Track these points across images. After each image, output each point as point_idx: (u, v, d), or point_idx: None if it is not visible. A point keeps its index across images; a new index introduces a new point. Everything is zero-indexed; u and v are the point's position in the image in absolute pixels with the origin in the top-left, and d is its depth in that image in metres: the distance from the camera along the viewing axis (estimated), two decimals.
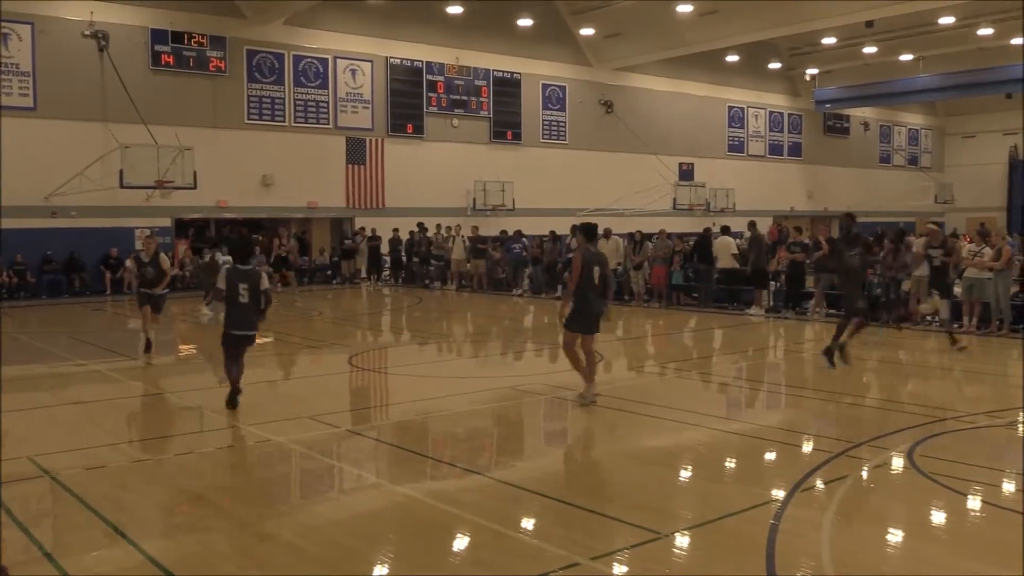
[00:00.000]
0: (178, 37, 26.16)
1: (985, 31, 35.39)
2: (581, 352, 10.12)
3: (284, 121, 28.35)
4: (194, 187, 24.62)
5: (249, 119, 27.68)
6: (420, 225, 28.56)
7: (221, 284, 9.50)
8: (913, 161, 50.81)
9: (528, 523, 6.23)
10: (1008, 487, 7.12)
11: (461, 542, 5.90)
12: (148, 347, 13.53)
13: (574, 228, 25.08)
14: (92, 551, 5.74)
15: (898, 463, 7.62)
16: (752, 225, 20.54)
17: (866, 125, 47.96)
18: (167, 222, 26.33)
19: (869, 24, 32.32)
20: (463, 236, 26.90)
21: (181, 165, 24.27)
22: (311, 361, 14.55)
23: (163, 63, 25.95)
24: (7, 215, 22.53)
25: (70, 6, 24.42)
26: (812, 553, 5.51)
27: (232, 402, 9.58)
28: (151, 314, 13.61)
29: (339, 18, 29.22)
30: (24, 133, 23.32)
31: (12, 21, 23.45)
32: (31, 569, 5.41)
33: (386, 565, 5.63)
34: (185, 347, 16.36)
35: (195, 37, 26.44)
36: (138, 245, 18.42)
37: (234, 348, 9.58)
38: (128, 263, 18.02)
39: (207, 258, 21.17)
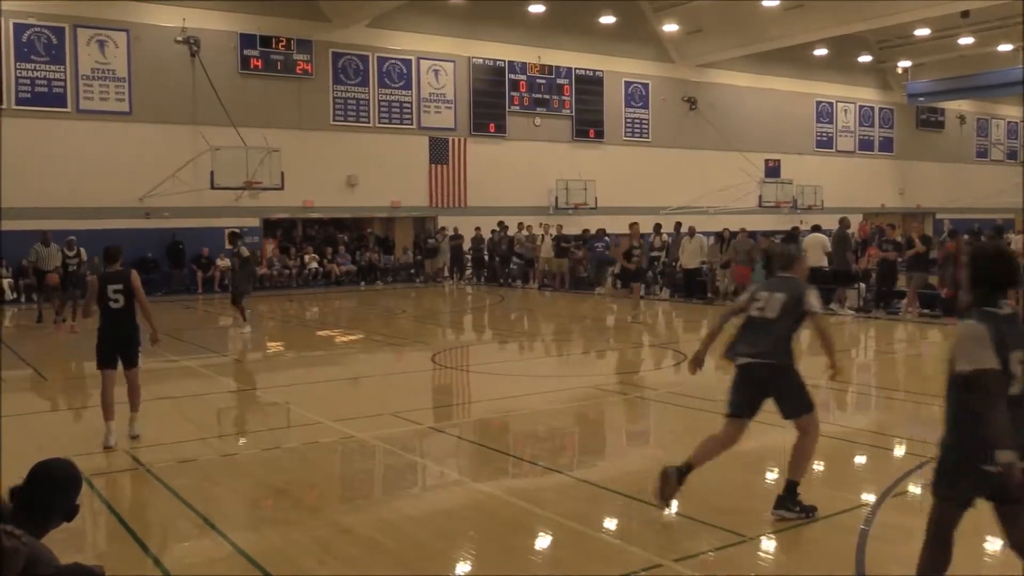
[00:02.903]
0: (266, 41, 26.71)
1: None
2: None
3: (368, 122, 28.71)
4: (281, 187, 25.14)
5: (334, 120, 28.11)
6: (501, 224, 28.63)
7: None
8: (1012, 155, 48.86)
9: (610, 523, 6.17)
10: None
11: (542, 541, 5.87)
12: None
13: (657, 226, 25.16)
14: (183, 541, 5.91)
15: None
16: (843, 222, 20.02)
17: (962, 119, 46.30)
18: (255, 222, 26.94)
19: (965, 15, 31.25)
20: (551, 234, 26.89)
21: (269, 166, 24.83)
22: (394, 359, 14.69)
23: (252, 67, 26.53)
24: (105, 216, 23.38)
25: (163, 13, 25.13)
26: (904, 562, 5.30)
27: None
28: None
29: (421, 19, 29.46)
30: (119, 137, 24.21)
31: (108, 28, 24.32)
32: (126, 556, 5.58)
33: (465, 563, 5.63)
34: (273, 344, 16.69)
35: (282, 41, 26.96)
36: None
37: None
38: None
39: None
